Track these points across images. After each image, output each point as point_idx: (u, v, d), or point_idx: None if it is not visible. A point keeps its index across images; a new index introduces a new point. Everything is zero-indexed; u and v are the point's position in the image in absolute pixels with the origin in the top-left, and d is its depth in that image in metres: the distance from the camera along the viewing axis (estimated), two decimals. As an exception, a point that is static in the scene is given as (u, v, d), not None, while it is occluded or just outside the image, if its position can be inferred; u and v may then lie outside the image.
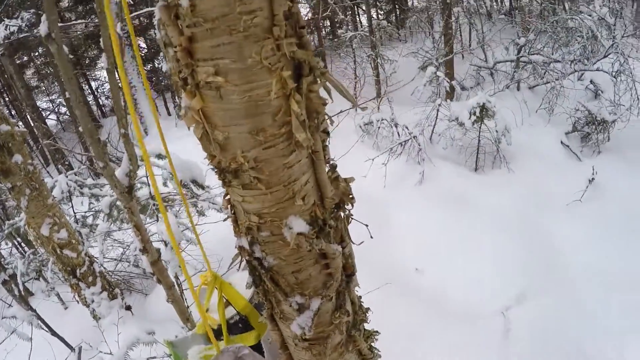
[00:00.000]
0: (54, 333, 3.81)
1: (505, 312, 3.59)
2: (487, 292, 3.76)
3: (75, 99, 1.73)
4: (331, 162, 0.87)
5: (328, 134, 0.81)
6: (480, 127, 5.64)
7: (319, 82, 0.69)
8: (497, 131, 5.66)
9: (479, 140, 5.68)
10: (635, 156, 5.45)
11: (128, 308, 4.09)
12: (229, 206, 0.86)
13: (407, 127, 5.76)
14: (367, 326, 1.29)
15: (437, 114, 6.09)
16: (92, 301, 3.96)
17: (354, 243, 1.04)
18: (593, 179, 4.97)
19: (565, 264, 4.07)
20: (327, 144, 0.83)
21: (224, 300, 1.31)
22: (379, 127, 6.05)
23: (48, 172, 9.03)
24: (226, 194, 0.83)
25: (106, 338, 3.41)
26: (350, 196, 0.91)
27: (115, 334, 3.30)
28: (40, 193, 3.35)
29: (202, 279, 1.20)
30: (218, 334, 1.23)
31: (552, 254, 4.21)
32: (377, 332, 1.34)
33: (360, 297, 1.28)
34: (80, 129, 1.86)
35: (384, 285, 3.58)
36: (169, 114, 11.93)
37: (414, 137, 5.53)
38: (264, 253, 0.84)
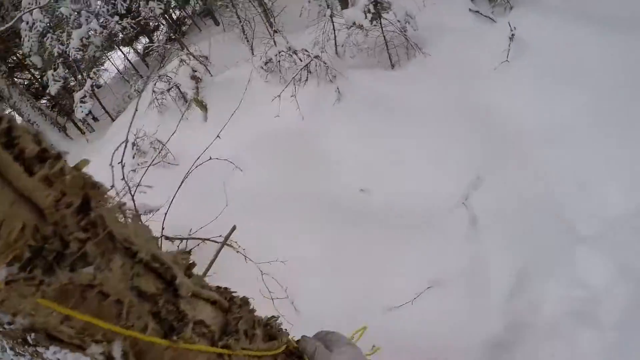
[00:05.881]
0: None
1: (466, 202, 3.26)
2: (442, 188, 3.46)
3: None
4: (37, 141, 0.47)
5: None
6: (380, 23, 5.19)
7: None
8: (399, 21, 5.26)
9: (384, 36, 5.25)
10: (547, 3, 5.11)
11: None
12: None
13: (306, 50, 5.22)
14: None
15: (333, 26, 5.56)
16: None
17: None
18: (513, 34, 4.63)
19: (512, 132, 3.76)
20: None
21: None
22: (279, 61, 5.46)
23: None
24: None
25: None
26: (98, 187, 0.54)
27: None
28: None
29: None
30: None
31: (497, 126, 3.91)
32: (274, 317, 0.96)
33: (226, 289, 0.84)
34: None
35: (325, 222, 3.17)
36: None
37: (315, 57, 5.00)
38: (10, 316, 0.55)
